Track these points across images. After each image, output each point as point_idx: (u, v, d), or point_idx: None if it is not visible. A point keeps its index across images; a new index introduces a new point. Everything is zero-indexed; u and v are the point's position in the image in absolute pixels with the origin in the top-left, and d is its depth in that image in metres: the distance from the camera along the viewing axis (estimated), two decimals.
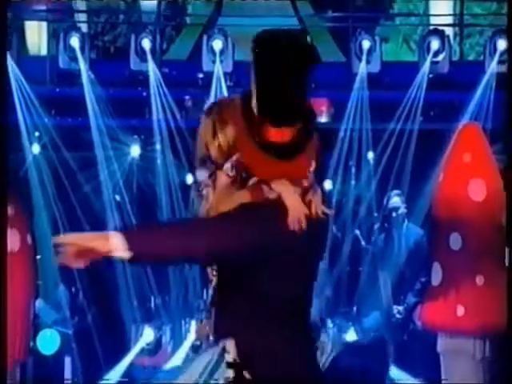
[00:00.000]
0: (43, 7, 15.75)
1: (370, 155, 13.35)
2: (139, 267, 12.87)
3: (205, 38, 13.62)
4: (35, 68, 14.07)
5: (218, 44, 13.20)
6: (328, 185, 12.35)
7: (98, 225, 13.02)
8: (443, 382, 11.41)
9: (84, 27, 14.79)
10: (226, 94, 13.04)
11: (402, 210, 13.10)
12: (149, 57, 13.45)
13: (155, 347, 12.14)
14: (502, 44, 13.59)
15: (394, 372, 11.62)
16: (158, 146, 13.29)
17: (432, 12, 16.29)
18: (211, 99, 13.00)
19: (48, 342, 12.43)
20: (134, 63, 13.67)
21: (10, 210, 11.65)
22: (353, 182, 13.05)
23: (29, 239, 11.79)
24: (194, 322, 11.81)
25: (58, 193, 13.08)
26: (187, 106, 13.78)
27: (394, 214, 13.14)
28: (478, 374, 11.37)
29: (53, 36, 15.19)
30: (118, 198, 13.32)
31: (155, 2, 15.74)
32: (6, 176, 6.73)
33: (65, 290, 12.90)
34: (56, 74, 13.96)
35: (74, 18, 15.28)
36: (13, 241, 11.57)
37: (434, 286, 11.39)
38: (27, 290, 11.95)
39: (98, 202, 13.16)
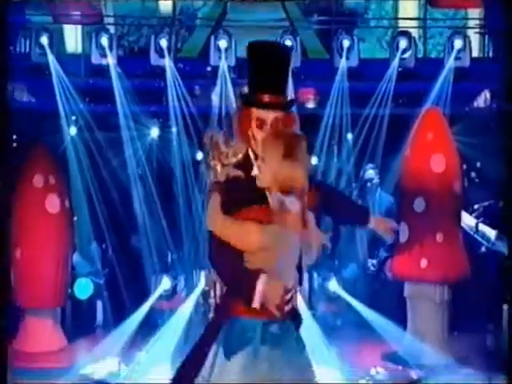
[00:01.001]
0: (78, 12, 15.72)
1: (349, 136, 13.39)
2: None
3: (212, 38, 13.60)
4: (72, 63, 14.01)
5: (223, 43, 13.20)
6: (314, 160, 12.37)
7: (124, 193, 13.18)
8: (409, 322, 11.51)
9: (112, 29, 14.72)
10: (230, 84, 13.08)
11: (376, 180, 13.20)
12: (166, 54, 13.42)
13: (171, 293, 12.11)
14: (458, 43, 13.57)
15: (369, 314, 11.65)
16: (173, 129, 13.30)
17: (400, 16, 16.27)
18: (217, 89, 13.25)
19: (83, 289, 12.45)
20: (153, 59, 13.63)
21: (51, 180, 11.70)
22: (335, 158, 12.97)
23: (67, 203, 11.88)
24: (203, 273, 11.80)
25: (91, 166, 13.06)
26: (197, 94, 13.77)
27: (368, 184, 13.21)
28: (438, 314, 11.45)
29: (86, 37, 15.18)
30: (140, 170, 13.24)
31: (171, 8, 15.78)
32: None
33: (97, 246, 12.92)
34: (89, 69, 13.92)
35: (104, 21, 15.17)
36: (53, 204, 11.64)
37: (401, 242, 11.57)
38: (66, 245, 11.99)
39: (124, 174, 13.14)
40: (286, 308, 5.80)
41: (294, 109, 5.96)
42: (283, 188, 5.59)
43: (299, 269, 5.98)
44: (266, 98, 5.72)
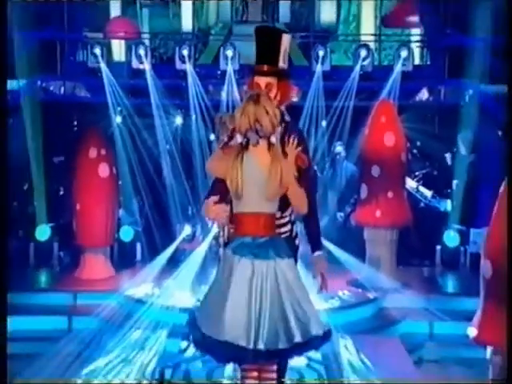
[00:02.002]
0: (122, 30, 15.74)
1: (324, 123, 13.32)
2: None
3: (221, 49, 13.60)
4: (117, 68, 14.01)
5: (229, 53, 13.21)
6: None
7: (156, 163, 13.15)
8: (367, 257, 11.56)
9: (147, 42, 14.73)
10: (234, 83, 13.13)
11: (343, 154, 13.14)
12: (187, 61, 13.42)
13: (191, 237, 12.12)
14: (404, 53, 13.56)
15: (338, 252, 11.66)
16: (193, 117, 13.24)
17: (362, 33, 16.28)
18: (225, 87, 13.26)
19: (126, 234, 12.50)
20: (178, 65, 13.62)
21: (102, 152, 11.73)
22: (313, 138, 12.92)
23: (114, 170, 11.89)
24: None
25: (132, 143, 13.05)
26: (210, 91, 13.75)
27: (337, 157, 13.15)
28: (388, 251, 11.51)
29: (128, 48, 15.19)
30: (168, 147, 13.24)
31: (191, 27, 15.79)
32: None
33: (136, 202, 12.94)
34: (130, 72, 13.93)
35: (141, 37, 15.19)
36: (104, 171, 11.67)
37: (362, 199, 11.59)
38: (113, 201, 12.00)
39: (156, 149, 13.14)
40: (277, 230, 5.86)
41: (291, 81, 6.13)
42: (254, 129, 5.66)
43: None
44: (261, 67, 5.88)
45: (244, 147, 5.84)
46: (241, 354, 5.79)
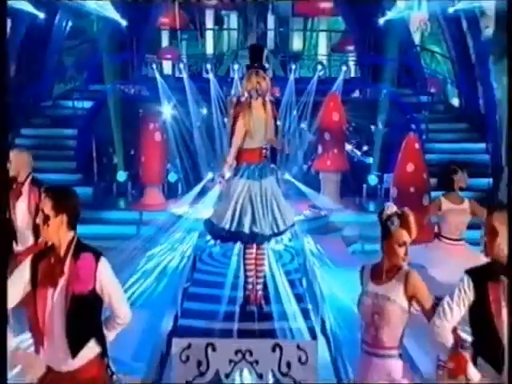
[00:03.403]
0: (169, 54, 15.74)
1: (294, 112, 13.00)
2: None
3: (231, 65, 13.51)
4: (166, 77, 13.99)
5: (236, 67, 13.04)
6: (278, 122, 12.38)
7: (190, 134, 12.78)
8: (321, 190, 11.57)
9: (185, 61, 14.58)
10: (239, 86, 12.92)
11: (306, 128, 12.83)
12: (210, 72, 13.30)
13: (212, 180, 11.64)
14: (344, 68, 13.44)
15: (304, 187, 11.66)
16: (213, 110, 12.92)
17: (319, 54, 16.15)
18: (233, 90, 12.71)
19: (172, 177, 12.33)
20: (204, 75, 13.71)
21: (156, 126, 11.65)
22: (287, 121, 12.77)
23: (164, 137, 11.84)
24: None
25: (175, 123, 12.81)
26: (224, 91, 13.33)
27: (303, 131, 12.89)
28: (334, 186, 11.64)
29: (173, 65, 15.16)
30: (198, 124, 13.03)
31: (212, 51, 15.85)
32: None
33: (178, 158, 12.68)
34: (174, 79, 13.86)
35: (181, 58, 15.04)
36: (158, 137, 11.65)
37: (318, 154, 11.57)
38: (164, 158, 11.93)
39: (191, 126, 12.87)
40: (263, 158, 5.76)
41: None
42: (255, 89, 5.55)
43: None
44: (254, 65, 5.70)
45: (248, 103, 5.81)
46: (240, 237, 5.79)
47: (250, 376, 5.22)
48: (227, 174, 5.80)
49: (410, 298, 3.49)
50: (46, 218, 3.22)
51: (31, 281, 3.22)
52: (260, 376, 5.13)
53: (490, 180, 11.64)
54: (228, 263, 7.31)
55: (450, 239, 5.80)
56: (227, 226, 5.67)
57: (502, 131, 12.40)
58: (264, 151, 5.80)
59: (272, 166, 6.09)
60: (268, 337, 5.27)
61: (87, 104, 13.61)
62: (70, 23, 14.60)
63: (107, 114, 12.59)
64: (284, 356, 5.09)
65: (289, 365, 5.08)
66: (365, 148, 12.94)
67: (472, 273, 3.28)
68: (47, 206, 3.23)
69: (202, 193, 11.57)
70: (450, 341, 3.30)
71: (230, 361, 5.11)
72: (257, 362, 5.11)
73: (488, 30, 13.14)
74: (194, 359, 5.11)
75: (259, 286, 5.84)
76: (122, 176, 12.25)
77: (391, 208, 3.62)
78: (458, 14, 12.80)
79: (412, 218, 3.53)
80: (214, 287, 6.50)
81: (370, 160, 12.42)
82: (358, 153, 12.88)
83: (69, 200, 3.31)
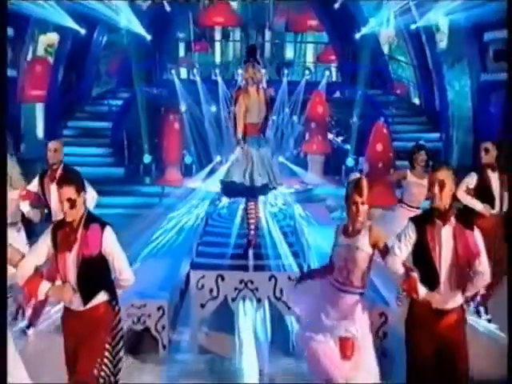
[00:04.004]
0: (185, 62, 15.65)
1: (287, 109, 12.87)
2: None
3: (235, 70, 13.30)
4: (183, 80, 13.92)
5: (239, 72, 12.70)
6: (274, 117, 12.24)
7: (203, 124, 12.66)
8: (309, 169, 11.56)
9: (197, 67, 14.35)
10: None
11: (296, 120, 12.70)
12: (218, 76, 13.18)
13: (220, 162, 11.61)
14: (327, 73, 13.46)
15: (294, 167, 11.68)
16: (221, 106, 12.71)
17: (307, 61, 16.07)
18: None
19: (188, 159, 12.25)
20: (213, 77, 13.58)
21: (176, 118, 11.60)
22: (281, 116, 12.61)
23: (182, 127, 11.73)
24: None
25: (191, 115, 12.77)
26: (230, 91, 13.28)
27: (294, 123, 12.77)
28: (319, 165, 11.64)
29: (188, 70, 15.10)
30: (209, 117, 12.87)
31: (219, 60, 15.74)
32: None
33: (192, 143, 12.56)
34: (190, 81, 13.71)
35: (195, 65, 14.93)
36: (177, 126, 11.62)
37: (306, 140, 11.59)
38: (180, 144, 11.85)
39: (203, 118, 12.80)
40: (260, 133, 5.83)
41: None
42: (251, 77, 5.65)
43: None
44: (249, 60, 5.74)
45: (245, 88, 5.87)
46: (244, 190, 5.86)
47: (251, 303, 5.31)
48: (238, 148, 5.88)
49: (373, 246, 3.61)
50: (73, 202, 3.20)
51: (53, 246, 3.27)
52: (259, 300, 5.23)
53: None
54: (233, 220, 7.24)
55: (410, 206, 5.96)
56: (241, 181, 5.76)
57: (453, 125, 12.51)
58: (260, 126, 5.89)
59: (265, 138, 6.14)
60: (265, 270, 5.34)
61: (119, 102, 13.63)
62: (105, 37, 14.56)
63: (135, 110, 12.60)
64: (278, 284, 5.19)
65: (281, 291, 5.16)
66: (343, 137, 12.90)
67: (414, 219, 3.41)
68: (72, 192, 3.19)
69: (212, 171, 11.52)
70: (400, 270, 3.37)
71: (235, 288, 5.20)
72: (256, 289, 5.21)
73: (442, 43, 13.22)
74: (207, 287, 5.22)
75: (256, 232, 5.97)
76: (147, 158, 12.21)
77: (353, 176, 3.74)
78: (419, 30, 12.83)
79: (364, 183, 3.59)
80: (222, 237, 6.54)
81: (348, 146, 12.38)
82: (339, 140, 12.85)
83: (81, 179, 3.30)
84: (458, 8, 10.87)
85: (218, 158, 11.98)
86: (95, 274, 3.27)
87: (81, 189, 3.26)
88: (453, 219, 3.30)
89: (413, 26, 12.74)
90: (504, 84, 9.63)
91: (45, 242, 3.29)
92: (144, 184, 11.87)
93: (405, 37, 13.82)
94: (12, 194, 4.84)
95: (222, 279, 5.21)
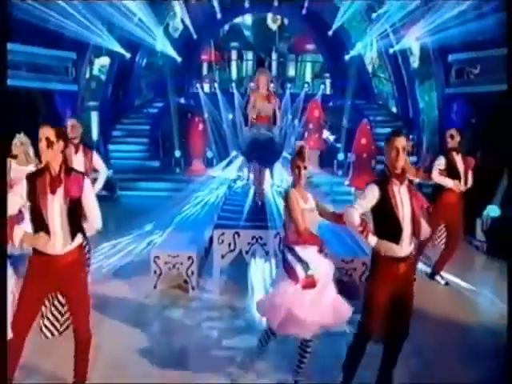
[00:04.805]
0: (208, 79, 15.65)
1: (290, 115, 12.79)
2: None
3: (248, 84, 12.96)
4: (207, 93, 13.86)
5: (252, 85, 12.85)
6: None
7: (221, 126, 12.58)
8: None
9: (218, 82, 14.39)
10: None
11: (297, 124, 12.54)
12: (234, 89, 13.12)
13: (236, 156, 11.09)
14: (322, 87, 13.38)
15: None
16: (236, 113, 12.48)
17: (306, 77, 15.95)
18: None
19: (209, 154, 12.23)
20: (230, 90, 13.47)
21: (200, 119, 11.55)
22: (285, 119, 12.07)
23: (205, 128, 11.72)
24: None
25: (212, 120, 12.76)
26: (244, 101, 13.23)
27: (296, 125, 12.55)
28: (316, 159, 11.22)
29: (211, 86, 15.12)
30: (226, 122, 12.72)
31: (236, 76, 15.67)
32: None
33: (214, 142, 12.64)
34: (211, 95, 13.68)
35: (216, 80, 14.94)
36: (201, 127, 11.66)
37: (305, 137, 11.40)
38: (204, 142, 11.83)
39: (221, 121, 12.81)
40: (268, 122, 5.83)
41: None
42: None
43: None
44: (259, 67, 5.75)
45: (256, 89, 5.98)
46: (266, 156, 5.87)
47: (260, 255, 5.43)
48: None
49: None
50: (51, 143, 2.94)
51: (28, 194, 2.92)
52: (266, 253, 5.37)
53: (414, 158, 11.72)
54: (246, 196, 7.11)
55: None
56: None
57: (423, 128, 12.51)
58: (268, 118, 6.01)
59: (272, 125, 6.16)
60: (272, 229, 5.43)
61: (156, 110, 13.76)
62: (145, 60, 14.70)
63: (168, 116, 12.66)
64: (282, 240, 5.27)
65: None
66: (335, 136, 12.85)
67: (376, 182, 3.22)
68: (51, 134, 2.94)
69: (229, 163, 11.55)
70: (356, 220, 3.12)
71: (248, 243, 5.35)
72: (265, 244, 5.35)
73: (414, 64, 13.13)
74: (226, 242, 5.36)
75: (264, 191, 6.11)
76: (177, 153, 12.24)
77: (297, 144, 3.73)
78: (396, 53, 12.84)
79: (305, 150, 3.40)
80: (237, 207, 6.53)
81: (339, 144, 12.35)
82: (331, 139, 12.86)
83: (64, 132, 3.07)
84: (426, 34, 10.92)
85: (233, 153, 11.93)
86: (77, 214, 3.03)
87: (61, 137, 2.97)
88: (406, 180, 3.19)
89: (391, 50, 12.73)
90: (463, 96, 9.73)
91: (18, 194, 2.93)
92: (175, 173, 11.89)
93: (384, 58, 13.82)
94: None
95: (238, 236, 5.35)
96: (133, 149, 12.50)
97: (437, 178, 5.26)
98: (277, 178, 6.79)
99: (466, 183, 5.33)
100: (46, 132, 2.95)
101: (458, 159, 5.30)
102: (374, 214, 3.20)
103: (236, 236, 5.38)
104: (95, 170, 5.15)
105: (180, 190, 9.99)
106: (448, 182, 5.28)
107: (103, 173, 5.12)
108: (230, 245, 5.37)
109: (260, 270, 5.55)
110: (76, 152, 5.09)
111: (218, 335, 4.35)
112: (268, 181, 6.43)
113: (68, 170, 3.03)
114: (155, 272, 5.26)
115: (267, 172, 6.27)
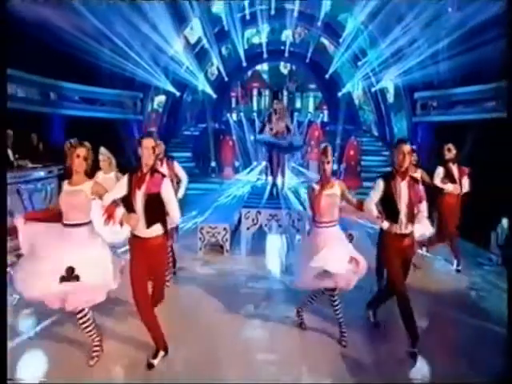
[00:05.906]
0: (236, 111, 15.89)
1: (295, 120, 11.34)
2: None
3: (267, 114, 12.89)
4: (236, 123, 13.71)
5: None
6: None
7: (247, 146, 12.58)
8: (309, 170, 11.05)
9: (243, 111, 14.10)
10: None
11: (301, 142, 11.31)
12: (256, 119, 12.90)
13: (256, 166, 11.53)
14: (321, 115, 13.24)
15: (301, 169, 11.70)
16: (257, 136, 11.29)
17: (309, 109, 15.23)
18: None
19: (237, 164, 12.28)
20: (252, 119, 13.45)
21: (230, 144, 11.35)
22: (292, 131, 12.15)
23: (234, 144, 11.38)
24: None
25: (240, 142, 12.86)
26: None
27: (301, 135, 12.31)
28: (317, 168, 10.47)
29: (238, 115, 15.39)
30: (243, 131, 12.67)
31: (256, 108, 15.64)
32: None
33: (240, 155, 12.58)
34: (239, 122, 13.47)
35: (242, 112, 14.67)
36: (230, 144, 11.41)
37: (308, 152, 11.38)
38: (233, 155, 11.59)
39: (246, 144, 12.70)
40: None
41: None
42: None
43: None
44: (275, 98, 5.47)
45: (274, 113, 6.13)
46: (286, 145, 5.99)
47: (276, 228, 5.74)
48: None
49: (341, 195, 3.36)
50: (153, 150, 2.97)
51: (128, 186, 2.97)
52: (279, 226, 5.70)
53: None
54: (264, 190, 7.23)
55: None
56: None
57: None
58: (283, 132, 6.18)
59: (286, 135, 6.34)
60: (285, 208, 5.80)
61: (197, 132, 13.92)
62: (190, 96, 14.96)
63: (207, 136, 12.88)
64: (292, 217, 5.65)
65: (293, 221, 5.62)
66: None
67: (383, 177, 3.28)
68: (153, 143, 2.98)
69: (251, 170, 11.61)
70: (373, 208, 3.24)
71: (267, 219, 5.71)
72: (279, 220, 5.69)
73: (390, 99, 13.26)
74: (251, 218, 5.78)
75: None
76: (213, 163, 12.40)
77: (323, 145, 3.38)
78: (376, 91, 13.00)
79: (328, 149, 3.33)
80: (259, 195, 6.78)
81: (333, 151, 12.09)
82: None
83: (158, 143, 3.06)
84: (398, 77, 11.11)
85: (254, 163, 12.16)
86: (155, 206, 2.96)
87: (156, 146, 3.03)
88: (408, 177, 3.22)
89: (372, 89, 12.91)
90: (426, 123, 9.68)
91: (123, 184, 2.99)
92: (211, 177, 12.12)
93: (368, 95, 13.94)
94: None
95: (259, 214, 5.76)
96: (181, 160, 12.61)
97: (439, 184, 4.99)
98: (287, 177, 6.92)
99: (461, 188, 5.01)
100: (150, 142, 2.98)
101: (454, 168, 5.01)
102: (381, 201, 3.27)
103: (258, 214, 5.74)
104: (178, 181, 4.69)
105: (214, 190, 10.27)
106: (449, 187, 4.97)
107: (184, 179, 4.80)
108: (253, 220, 5.73)
109: (275, 239, 5.84)
110: (161, 165, 4.84)
111: (245, 280, 4.70)
112: (279, 178, 6.58)
113: (153, 172, 3.01)
114: (200, 239, 5.52)
115: (280, 168, 6.41)
